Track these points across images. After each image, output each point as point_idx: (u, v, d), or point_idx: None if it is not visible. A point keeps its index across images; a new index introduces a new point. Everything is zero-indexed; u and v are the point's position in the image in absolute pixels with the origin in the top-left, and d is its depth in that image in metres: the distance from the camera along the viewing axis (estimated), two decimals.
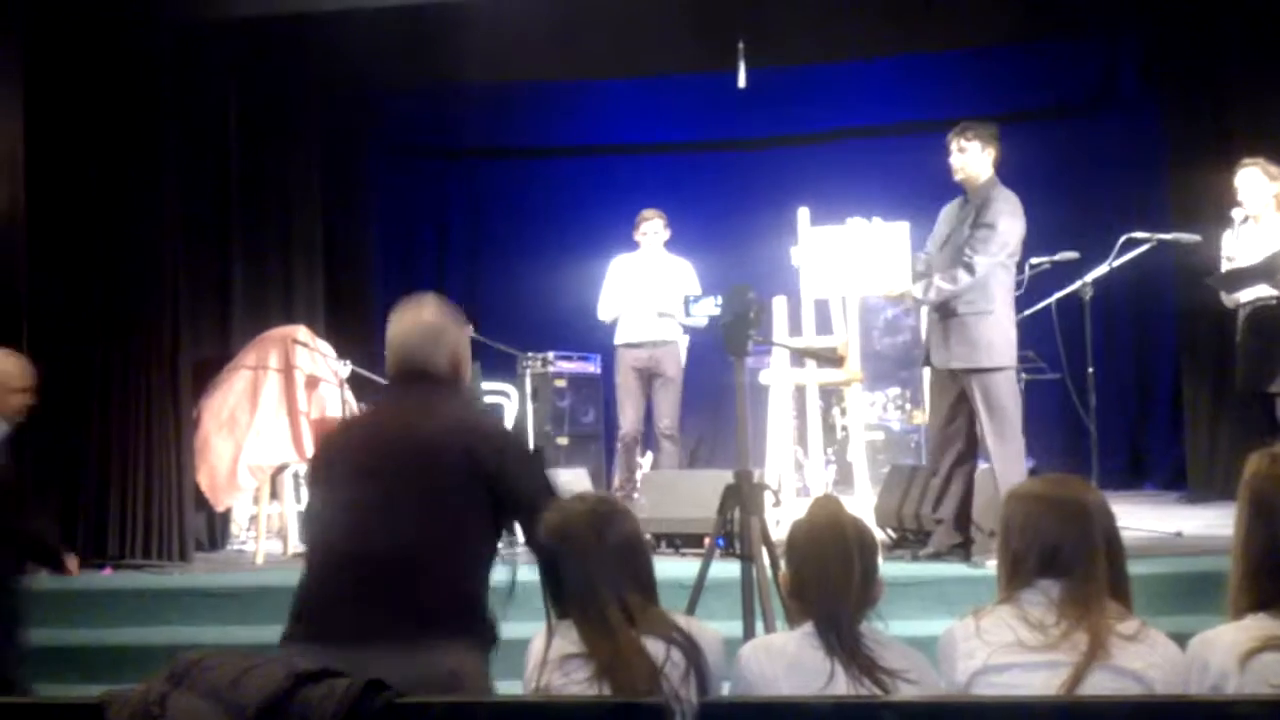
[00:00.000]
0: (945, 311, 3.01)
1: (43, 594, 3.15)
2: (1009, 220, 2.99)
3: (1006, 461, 2.98)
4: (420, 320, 1.65)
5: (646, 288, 4.17)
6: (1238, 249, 3.28)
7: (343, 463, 1.58)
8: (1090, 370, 3.66)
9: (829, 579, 1.34)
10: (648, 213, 4.26)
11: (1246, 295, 3.29)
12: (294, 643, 1.48)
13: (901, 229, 3.15)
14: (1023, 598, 1.29)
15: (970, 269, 2.94)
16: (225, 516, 3.90)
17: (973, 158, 3.06)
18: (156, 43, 3.63)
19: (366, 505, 1.51)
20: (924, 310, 3.29)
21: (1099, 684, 1.21)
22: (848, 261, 3.13)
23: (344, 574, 1.49)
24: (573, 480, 3.99)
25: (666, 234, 4.25)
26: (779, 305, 3.40)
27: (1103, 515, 1.30)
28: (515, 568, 1.59)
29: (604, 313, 4.20)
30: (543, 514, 1.52)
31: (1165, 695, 1.20)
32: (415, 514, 1.50)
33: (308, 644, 1.45)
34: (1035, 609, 1.27)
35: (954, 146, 3.09)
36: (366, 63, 4.45)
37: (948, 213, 3.16)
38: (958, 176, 3.09)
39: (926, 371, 3.41)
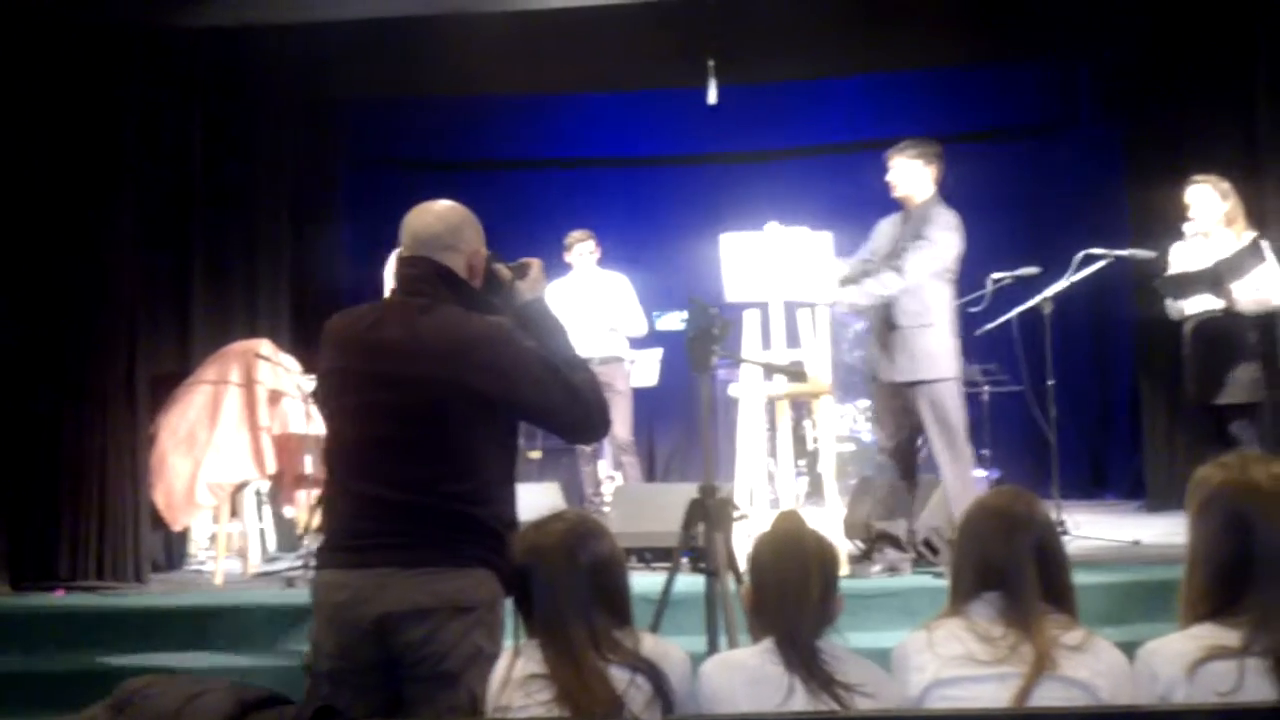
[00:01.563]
0: (888, 326, 3.06)
1: None
2: (946, 234, 3.04)
3: (955, 471, 3.03)
4: (441, 210, 1.57)
5: (588, 306, 4.18)
6: (1185, 263, 3.37)
7: (347, 390, 1.54)
8: (1050, 383, 3.74)
9: (789, 594, 1.34)
10: (577, 234, 4.26)
11: (1191, 308, 3.37)
12: (324, 570, 1.54)
13: (824, 238, 3.16)
14: (971, 610, 1.31)
15: (900, 271, 2.99)
16: (183, 536, 3.80)
17: (912, 175, 3.09)
18: (117, 50, 3.55)
19: (373, 443, 1.51)
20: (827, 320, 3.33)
21: (1047, 694, 1.23)
22: (769, 268, 3.11)
23: (359, 509, 1.51)
24: (545, 495, 3.97)
25: (598, 252, 4.26)
26: (750, 319, 3.42)
27: (1034, 528, 1.32)
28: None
29: None
30: (560, 413, 1.54)
31: (1114, 706, 1.22)
32: (422, 452, 1.49)
33: (335, 570, 1.51)
34: (982, 621, 1.29)
35: (892, 163, 3.12)
36: (337, 74, 4.42)
37: (886, 227, 3.19)
38: (896, 193, 3.13)
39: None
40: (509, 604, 1.49)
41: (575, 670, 1.30)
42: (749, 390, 3.30)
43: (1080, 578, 3.00)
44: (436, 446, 1.50)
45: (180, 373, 3.73)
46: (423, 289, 1.55)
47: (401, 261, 1.58)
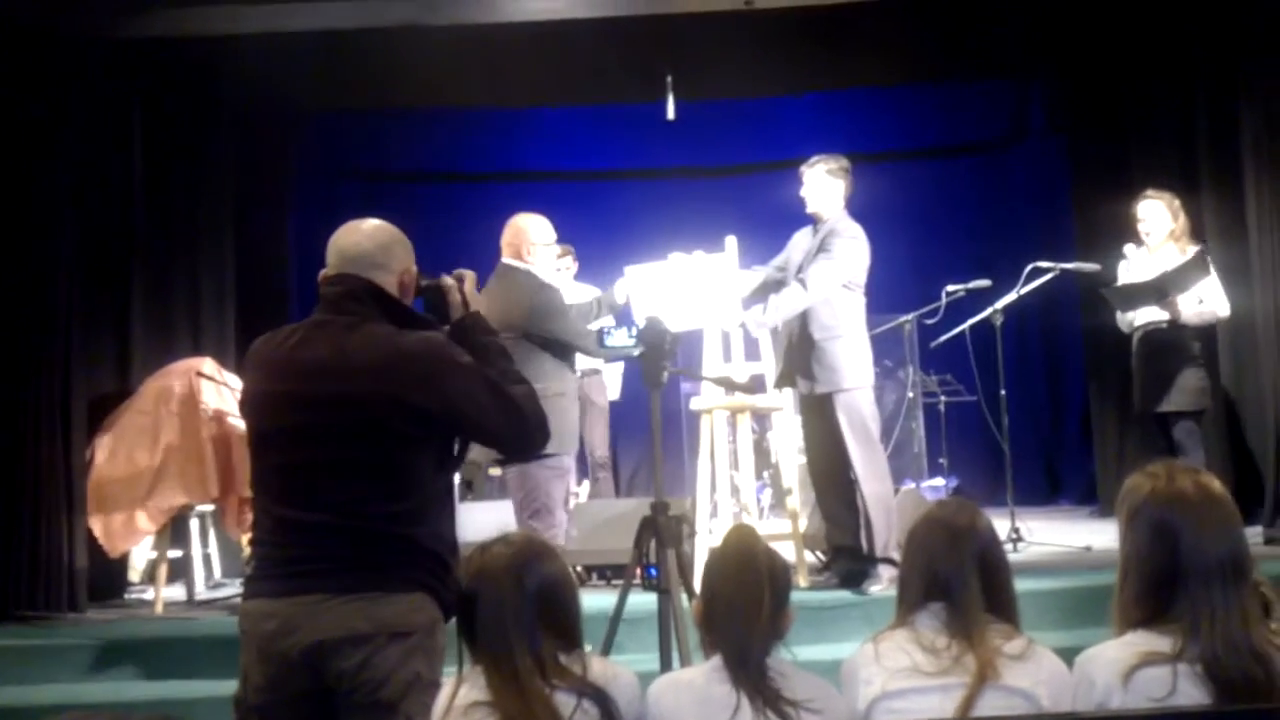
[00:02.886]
0: (801, 339, 3.13)
1: None
2: (847, 246, 3.11)
3: (875, 477, 3.09)
4: (370, 229, 1.54)
5: None
6: (1131, 276, 3.48)
7: (271, 412, 1.49)
8: (1003, 393, 3.82)
9: (739, 610, 1.33)
10: (559, 249, 4.29)
11: (1140, 319, 3.48)
12: (252, 599, 1.49)
13: (724, 260, 3.22)
14: (917, 621, 1.32)
15: (804, 284, 3.07)
16: (123, 562, 3.65)
17: (823, 189, 3.17)
18: (56, 60, 3.45)
19: (301, 467, 1.46)
20: (769, 337, 3.36)
21: (990, 704, 1.24)
22: (673, 296, 3.16)
23: (289, 536, 1.47)
24: (499, 513, 3.90)
25: (575, 267, 4.26)
26: (710, 333, 3.43)
27: (976, 538, 1.34)
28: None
29: None
30: (498, 428, 1.51)
31: (1053, 714, 1.23)
32: (355, 473, 1.45)
33: (264, 599, 1.46)
34: (928, 632, 1.30)
35: (805, 178, 3.20)
36: (289, 85, 4.35)
37: (799, 240, 3.26)
38: (809, 208, 3.20)
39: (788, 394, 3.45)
40: (451, 629, 1.46)
41: (520, 697, 1.27)
42: (709, 404, 3.31)
43: (1034, 584, 3.04)
44: (370, 466, 1.46)
45: (119, 393, 3.60)
46: (349, 307, 1.51)
47: (326, 280, 1.54)
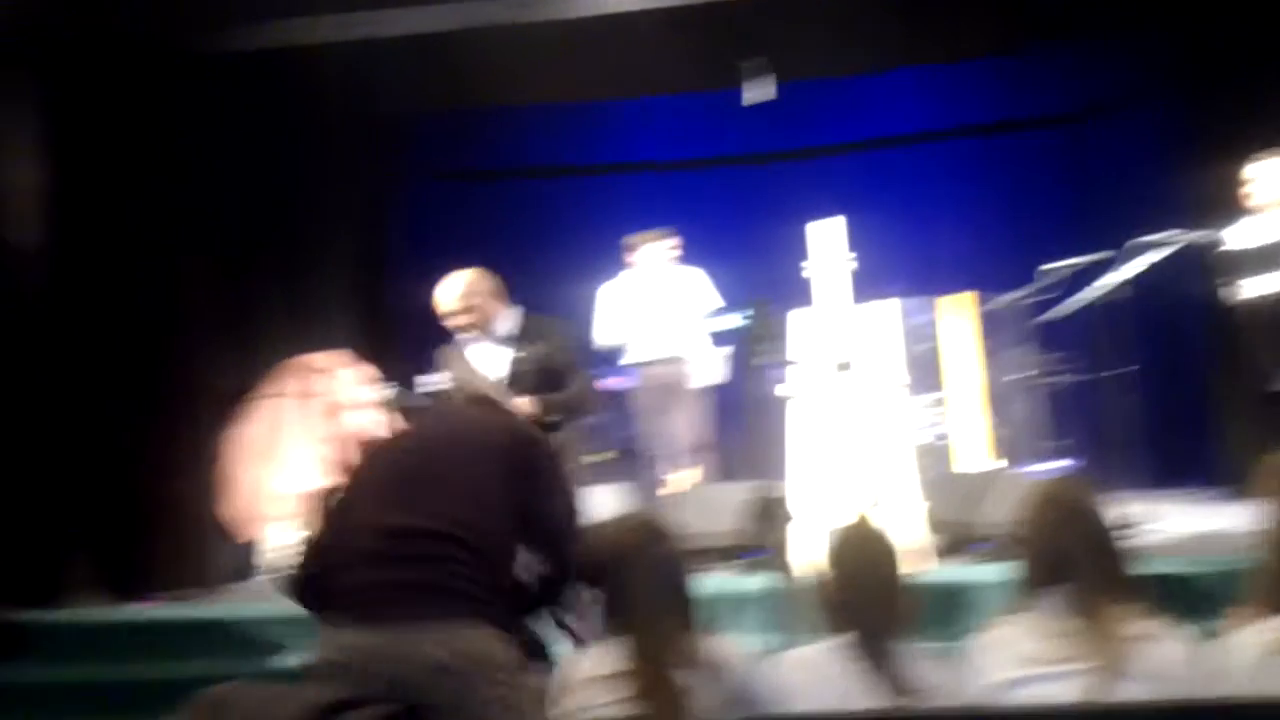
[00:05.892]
0: None
1: (69, 627, 3.09)
2: None
3: None
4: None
5: (660, 304, 4.16)
6: (1239, 242, 3.22)
7: (384, 458, 1.58)
8: (1125, 371, 3.60)
9: (872, 596, 1.35)
10: (649, 234, 4.27)
11: (1247, 291, 3.20)
12: (328, 626, 1.44)
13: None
14: (1040, 605, 1.30)
15: None
16: (253, 546, 3.93)
17: None
18: (177, 75, 3.61)
19: (405, 480, 1.51)
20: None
21: (1115, 690, 1.21)
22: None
23: (374, 553, 1.44)
24: (614, 496, 3.94)
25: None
26: (797, 318, 3.38)
27: (1093, 519, 1.31)
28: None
29: (608, 337, 4.13)
30: (564, 546, 1.53)
31: (1186, 699, 1.19)
32: (454, 494, 1.48)
33: (340, 628, 1.42)
34: (1051, 616, 1.28)
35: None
36: (386, 90, 4.48)
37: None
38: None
39: None
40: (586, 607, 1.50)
41: (649, 669, 1.33)
42: (801, 389, 3.27)
43: (1160, 568, 2.85)
44: (464, 494, 1.49)
45: (246, 387, 3.86)
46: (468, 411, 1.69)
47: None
